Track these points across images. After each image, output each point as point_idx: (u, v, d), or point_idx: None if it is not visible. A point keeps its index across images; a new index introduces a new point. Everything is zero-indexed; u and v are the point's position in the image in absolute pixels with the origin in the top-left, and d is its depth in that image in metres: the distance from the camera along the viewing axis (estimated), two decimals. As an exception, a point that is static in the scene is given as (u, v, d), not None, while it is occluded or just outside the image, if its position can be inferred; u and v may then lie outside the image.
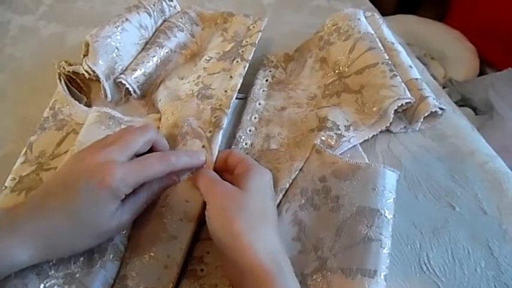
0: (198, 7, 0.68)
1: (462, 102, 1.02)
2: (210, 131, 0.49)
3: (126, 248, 0.43)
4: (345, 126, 0.51)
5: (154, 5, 0.65)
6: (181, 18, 0.65)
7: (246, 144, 0.52)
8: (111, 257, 0.41)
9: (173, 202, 0.45)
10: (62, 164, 0.43)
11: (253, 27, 0.61)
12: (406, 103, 0.50)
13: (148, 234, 0.43)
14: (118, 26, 0.58)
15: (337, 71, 0.58)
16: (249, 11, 0.67)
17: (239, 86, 0.54)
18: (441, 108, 0.52)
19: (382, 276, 0.38)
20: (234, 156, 0.45)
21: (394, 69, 0.53)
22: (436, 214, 0.48)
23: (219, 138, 0.48)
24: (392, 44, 0.59)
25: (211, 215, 0.38)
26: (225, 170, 0.46)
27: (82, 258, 0.40)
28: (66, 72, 0.61)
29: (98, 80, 0.57)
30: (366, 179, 0.44)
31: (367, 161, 0.49)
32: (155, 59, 0.60)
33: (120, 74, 0.58)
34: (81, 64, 0.58)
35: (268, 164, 0.49)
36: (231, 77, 0.55)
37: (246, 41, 0.59)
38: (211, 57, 0.59)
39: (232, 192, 0.39)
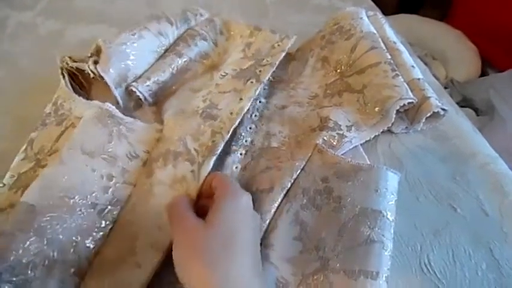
0: (225, 16, 0.65)
1: (463, 103, 1.02)
2: (203, 156, 0.47)
3: (90, 264, 0.42)
4: (346, 126, 0.51)
5: (177, 15, 0.62)
6: (206, 26, 0.62)
7: (246, 141, 0.52)
8: (71, 271, 0.40)
9: (147, 226, 0.44)
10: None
11: (278, 45, 0.58)
12: (408, 103, 0.50)
13: (115, 254, 0.42)
14: (135, 33, 0.56)
15: (338, 71, 0.57)
16: (251, 10, 0.67)
17: (245, 110, 0.51)
18: (443, 109, 0.51)
19: (384, 278, 0.38)
20: (217, 179, 0.43)
21: (396, 69, 0.53)
22: (437, 216, 0.47)
23: (211, 165, 0.46)
24: (395, 43, 0.58)
25: (174, 254, 0.37)
26: (209, 195, 0.44)
27: (41, 267, 0.39)
28: (69, 68, 0.58)
29: (102, 79, 0.56)
30: (368, 180, 0.44)
31: (368, 162, 0.49)
32: (171, 67, 0.58)
33: (133, 81, 0.56)
34: (86, 62, 0.56)
35: (269, 162, 0.49)
36: (241, 99, 0.53)
37: (267, 60, 0.56)
38: (227, 73, 0.57)
39: (195, 229, 0.37)
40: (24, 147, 0.53)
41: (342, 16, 0.61)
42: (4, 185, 0.49)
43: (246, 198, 0.41)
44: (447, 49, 1.14)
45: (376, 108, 0.51)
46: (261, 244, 0.42)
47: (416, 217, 0.47)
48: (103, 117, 0.50)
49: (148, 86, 0.56)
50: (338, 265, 0.39)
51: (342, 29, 0.59)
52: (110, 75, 0.53)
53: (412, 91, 0.51)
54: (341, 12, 0.62)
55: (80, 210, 0.44)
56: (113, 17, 0.76)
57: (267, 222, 0.43)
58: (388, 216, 0.41)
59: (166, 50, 0.60)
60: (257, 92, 0.53)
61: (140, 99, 0.56)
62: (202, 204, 0.43)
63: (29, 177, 0.49)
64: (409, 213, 0.47)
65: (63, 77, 0.57)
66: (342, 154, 0.49)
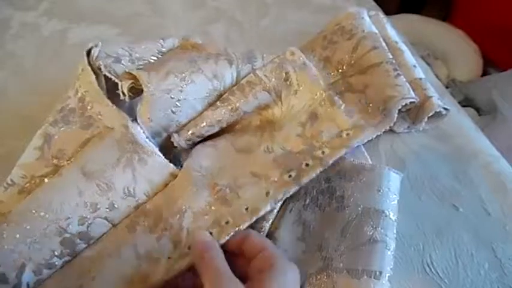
0: (301, 57, 0.51)
1: (465, 103, 1.02)
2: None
3: None
4: None
5: (241, 53, 0.52)
6: (272, 72, 0.50)
7: None
8: None
9: (105, 278, 0.41)
10: None
11: (347, 134, 0.47)
12: (410, 103, 0.50)
13: None
14: (185, 77, 0.47)
15: (340, 71, 0.57)
16: (252, 9, 0.67)
17: (264, 212, 0.42)
18: (445, 108, 0.52)
19: (387, 278, 0.38)
20: (253, 242, 0.38)
21: (398, 68, 0.53)
22: (440, 215, 0.47)
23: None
24: (396, 43, 0.58)
25: None
26: (238, 254, 0.39)
27: None
28: (100, 72, 0.50)
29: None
30: (370, 180, 0.44)
31: (371, 162, 0.49)
32: (221, 122, 0.49)
33: (174, 131, 0.49)
34: (120, 79, 0.47)
35: None
36: (267, 193, 0.43)
37: (322, 152, 0.45)
38: (271, 151, 0.47)
39: None
40: (39, 141, 0.49)
41: (344, 16, 0.61)
42: (13, 183, 0.46)
43: (296, 272, 0.36)
44: (449, 49, 1.14)
45: (379, 108, 0.51)
46: None
47: (419, 217, 0.47)
48: (124, 140, 0.45)
49: (189, 139, 0.49)
50: (341, 265, 0.40)
51: (343, 29, 0.59)
52: (148, 128, 0.47)
53: (414, 91, 0.51)
54: (343, 12, 0.62)
55: (44, 230, 0.41)
56: (116, 16, 0.76)
57: (270, 222, 0.44)
58: (391, 216, 0.41)
59: (219, 95, 0.50)
60: (286, 195, 0.43)
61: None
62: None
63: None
64: (411, 213, 0.47)
65: (96, 76, 0.49)
66: (344, 154, 0.49)
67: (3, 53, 0.71)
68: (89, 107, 0.49)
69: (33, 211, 0.41)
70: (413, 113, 0.53)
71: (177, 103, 0.47)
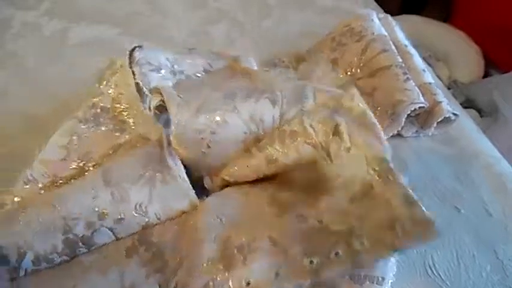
0: (361, 103, 0.44)
1: (467, 104, 1.01)
2: None
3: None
4: None
5: (292, 89, 0.45)
6: (320, 123, 0.43)
7: None
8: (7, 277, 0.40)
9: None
10: None
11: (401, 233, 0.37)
12: (420, 108, 0.49)
13: None
14: (218, 118, 0.43)
15: (349, 73, 0.57)
16: (254, 10, 0.67)
17: None
18: (455, 114, 0.51)
19: (389, 284, 0.38)
20: None
21: (407, 72, 0.52)
22: (441, 216, 0.47)
23: None
24: (406, 46, 0.57)
25: None
26: None
27: None
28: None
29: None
30: None
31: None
32: (257, 172, 0.44)
33: (206, 173, 0.46)
34: (151, 92, 0.45)
35: None
36: (276, 276, 0.37)
37: (361, 243, 0.37)
38: (304, 221, 0.40)
39: None
40: (64, 139, 0.48)
41: (353, 18, 0.60)
42: (33, 179, 0.46)
43: None
44: (450, 50, 1.14)
45: (387, 112, 0.50)
46: None
47: (420, 218, 0.47)
48: (153, 156, 0.43)
49: (221, 186, 0.46)
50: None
51: (352, 30, 0.59)
52: (178, 167, 0.44)
53: (423, 95, 0.50)
54: (350, 15, 0.61)
55: (52, 223, 0.41)
56: (116, 16, 0.76)
57: None
58: None
59: (257, 139, 0.45)
60: None
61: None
62: None
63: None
64: (413, 214, 0.47)
65: (139, 86, 0.46)
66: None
67: (4, 52, 0.71)
68: (123, 112, 0.48)
69: (49, 202, 0.41)
70: (422, 117, 0.52)
71: (208, 144, 0.43)
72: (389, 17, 0.63)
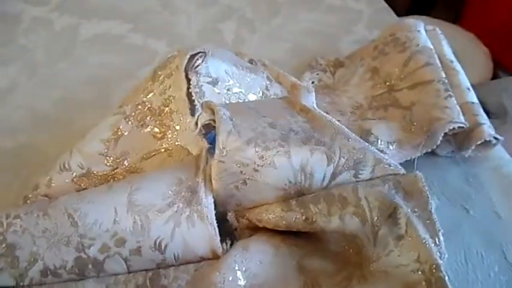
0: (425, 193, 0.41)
1: (475, 106, 1.01)
2: None
3: None
4: (387, 142, 0.48)
5: (351, 151, 0.41)
6: (378, 200, 0.39)
7: None
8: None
9: None
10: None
11: None
12: (459, 127, 0.47)
13: None
14: (267, 157, 0.39)
15: (388, 83, 0.54)
16: (263, 8, 0.67)
17: None
18: (496, 138, 0.49)
19: None
20: None
21: (449, 89, 0.50)
22: (450, 217, 0.47)
23: None
24: (452, 62, 0.56)
25: None
26: None
27: None
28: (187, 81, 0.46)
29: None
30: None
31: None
32: (289, 227, 0.41)
33: (232, 210, 0.43)
34: (202, 105, 0.43)
35: None
36: None
37: None
38: None
39: None
40: (106, 133, 0.46)
41: (399, 27, 0.58)
42: (69, 168, 0.45)
43: None
44: (459, 52, 1.13)
45: (423, 129, 0.48)
46: None
47: (429, 218, 0.47)
48: (186, 182, 0.40)
49: (247, 227, 0.44)
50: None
51: (397, 40, 0.57)
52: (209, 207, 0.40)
53: (464, 115, 0.48)
54: (398, 22, 0.60)
55: (68, 238, 0.39)
56: (127, 12, 0.77)
57: None
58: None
59: (299, 192, 0.41)
60: None
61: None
62: None
63: (100, 181, 0.45)
64: (421, 214, 0.47)
65: (190, 94, 0.44)
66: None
67: (14, 47, 0.71)
68: (170, 115, 0.45)
69: (70, 213, 0.40)
70: (459, 137, 0.50)
71: (246, 181, 0.40)
72: (437, 29, 0.60)
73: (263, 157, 0.39)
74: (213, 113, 0.40)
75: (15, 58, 0.69)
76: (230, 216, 0.43)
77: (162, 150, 0.45)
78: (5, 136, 0.57)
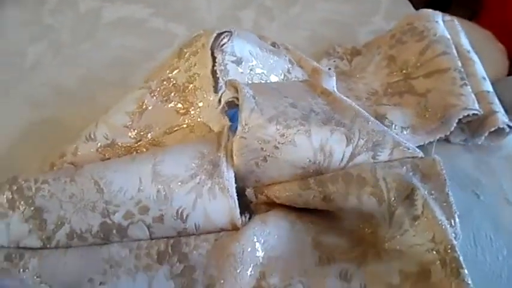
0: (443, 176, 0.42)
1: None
2: None
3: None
4: (401, 127, 0.50)
5: (371, 132, 0.42)
6: (395, 182, 0.40)
7: None
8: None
9: None
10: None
11: None
12: (473, 114, 0.48)
13: None
14: (288, 135, 0.40)
15: (404, 71, 0.56)
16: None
17: None
18: (509, 126, 0.49)
19: None
20: None
21: (465, 78, 0.51)
22: (461, 201, 0.47)
23: None
24: (468, 52, 0.57)
25: None
26: None
27: None
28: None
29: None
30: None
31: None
32: (306, 204, 0.42)
33: (251, 186, 0.44)
34: (226, 83, 0.44)
35: None
36: None
37: None
38: (348, 280, 0.39)
39: None
40: (132, 106, 0.48)
41: (417, 17, 0.59)
42: (94, 139, 0.46)
43: None
44: (475, 48, 1.13)
45: (438, 115, 0.49)
46: None
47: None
48: (209, 156, 0.41)
49: (264, 203, 0.45)
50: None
51: (415, 29, 0.58)
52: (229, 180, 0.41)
53: (478, 103, 0.49)
54: (416, 12, 0.61)
55: (93, 204, 0.41)
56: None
57: None
58: None
59: (318, 171, 0.42)
60: None
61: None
62: None
63: (124, 152, 0.46)
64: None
65: (215, 74, 0.46)
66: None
67: (40, 26, 0.74)
68: (194, 92, 0.46)
69: (96, 180, 0.41)
70: (473, 125, 0.51)
71: (266, 157, 0.41)
72: (455, 20, 0.61)
73: (284, 135, 0.40)
74: (237, 91, 0.41)
75: (41, 37, 0.71)
76: (249, 191, 0.44)
77: (185, 125, 0.47)
78: (30, 110, 0.59)
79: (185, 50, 0.48)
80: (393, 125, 0.50)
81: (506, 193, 0.49)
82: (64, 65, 0.67)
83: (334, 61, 0.62)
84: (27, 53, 0.69)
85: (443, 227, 0.37)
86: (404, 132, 0.50)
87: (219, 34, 0.46)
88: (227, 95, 0.42)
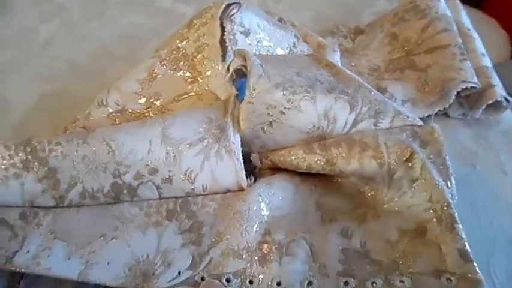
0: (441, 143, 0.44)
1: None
2: None
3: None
4: (402, 100, 0.51)
5: (373, 101, 0.44)
6: (396, 145, 0.41)
7: None
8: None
9: None
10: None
11: (448, 280, 0.35)
12: (472, 87, 0.49)
13: None
14: (294, 100, 0.41)
15: (406, 48, 0.57)
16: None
17: None
18: (507, 100, 0.50)
19: None
20: None
21: (465, 53, 0.52)
22: (458, 172, 0.48)
23: None
24: (469, 29, 0.58)
25: None
26: None
27: None
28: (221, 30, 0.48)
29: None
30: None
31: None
32: (310, 168, 0.44)
33: (256, 151, 0.46)
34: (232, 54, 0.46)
35: None
36: (309, 285, 0.37)
37: (401, 281, 0.36)
38: (349, 237, 0.40)
39: None
40: (142, 74, 0.49)
41: None
42: (106, 105, 0.48)
43: None
44: (479, 35, 1.14)
45: (437, 88, 0.51)
46: None
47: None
48: (216, 121, 0.43)
49: (269, 168, 0.46)
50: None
51: (417, 8, 0.59)
52: (236, 143, 0.43)
53: (477, 77, 0.50)
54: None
55: (105, 165, 0.42)
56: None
57: None
58: None
59: (322, 136, 0.44)
60: None
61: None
62: None
63: (134, 118, 0.47)
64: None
65: (225, 42, 0.46)
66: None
67: (52, 5, 0.76)
68: (203, 61, 0.48)
69: (108, 142, 0.42)
70: (471, 99, 0.52)
71: (272, 123, 0.42)
72: (457, 0, 0.63)
73: (290, 100, 0.41)
74: (245, 60, 0.43)
75: (53, 16, 0.73)
76: (254, 156, 0.45)
77: (193, 93, 0.48)
78: (44, 82, 0.61)
79: (195, 21, 0.50)
80: (394, 98, 0.51)
81: (503, 165, 0.50)
82: (75, 42, 0.69)
83: (338, 39, 0.63)
84: (40, 31, 0.71)
85: (440, 187, 0.39)
86: (405, 105, 0.52)
87: (228, 5, 0.48)
88: (235, 63, 0.43)
